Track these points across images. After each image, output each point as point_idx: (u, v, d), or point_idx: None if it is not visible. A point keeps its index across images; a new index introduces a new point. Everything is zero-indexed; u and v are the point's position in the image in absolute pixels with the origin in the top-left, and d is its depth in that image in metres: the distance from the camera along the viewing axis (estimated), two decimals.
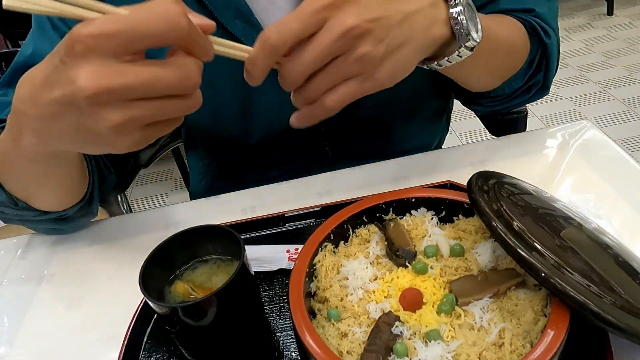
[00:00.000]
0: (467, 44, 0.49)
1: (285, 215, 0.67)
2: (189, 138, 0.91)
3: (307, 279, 0.53)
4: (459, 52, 0.50)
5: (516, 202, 0.54)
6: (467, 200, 0.57)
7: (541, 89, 0.74)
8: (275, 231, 0.66)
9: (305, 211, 0.67)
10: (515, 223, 0.49)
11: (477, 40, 0.50)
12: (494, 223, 0.47)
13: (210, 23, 0.33)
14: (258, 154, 0.79)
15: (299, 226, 0.66)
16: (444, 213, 0.60)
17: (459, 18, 0.47)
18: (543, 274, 0.43)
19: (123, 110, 0.27)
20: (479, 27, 0.51)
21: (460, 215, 0.59)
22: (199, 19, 0.31)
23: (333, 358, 0.44)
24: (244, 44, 0.36)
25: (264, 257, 0.65)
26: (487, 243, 0.54)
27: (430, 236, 0.57)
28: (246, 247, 0.46)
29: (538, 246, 0.46)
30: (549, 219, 0.55)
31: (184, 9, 0.28)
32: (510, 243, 0.45)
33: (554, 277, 0.43)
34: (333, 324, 0.50)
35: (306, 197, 0.72)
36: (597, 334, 0.49)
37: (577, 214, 0.57)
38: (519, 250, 0.45)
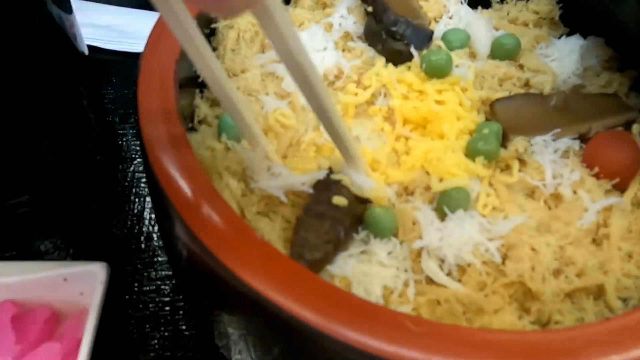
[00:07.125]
0: None
1: None
2: None
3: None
4: None
5: None
6: None
7: None
8: None
9: None
10: None
11: None
12: None
13: None
14: None
15: None
16: None
17: None
18: None
19: None
20: None
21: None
22: None
23: (221, 210, 0.17)
24: None
25: (122, 24, 0.36)
26: (569, 40, 0.27)
27: (452, 17, 0.29)
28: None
29: None
30: None
31: None
32: None
33: None
34: (235, 145, 0.22)
35: None
36: None
37: None
38: None
